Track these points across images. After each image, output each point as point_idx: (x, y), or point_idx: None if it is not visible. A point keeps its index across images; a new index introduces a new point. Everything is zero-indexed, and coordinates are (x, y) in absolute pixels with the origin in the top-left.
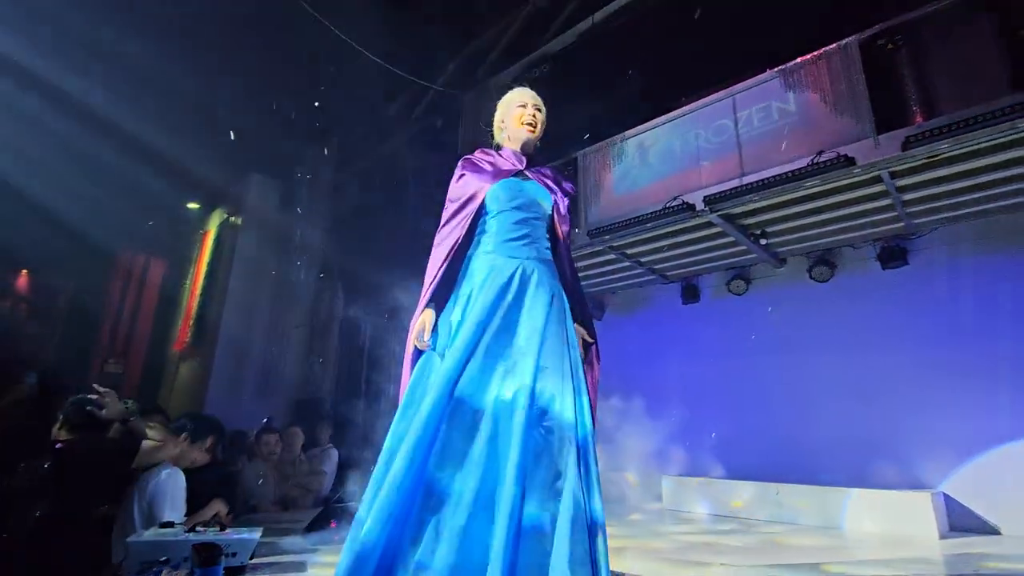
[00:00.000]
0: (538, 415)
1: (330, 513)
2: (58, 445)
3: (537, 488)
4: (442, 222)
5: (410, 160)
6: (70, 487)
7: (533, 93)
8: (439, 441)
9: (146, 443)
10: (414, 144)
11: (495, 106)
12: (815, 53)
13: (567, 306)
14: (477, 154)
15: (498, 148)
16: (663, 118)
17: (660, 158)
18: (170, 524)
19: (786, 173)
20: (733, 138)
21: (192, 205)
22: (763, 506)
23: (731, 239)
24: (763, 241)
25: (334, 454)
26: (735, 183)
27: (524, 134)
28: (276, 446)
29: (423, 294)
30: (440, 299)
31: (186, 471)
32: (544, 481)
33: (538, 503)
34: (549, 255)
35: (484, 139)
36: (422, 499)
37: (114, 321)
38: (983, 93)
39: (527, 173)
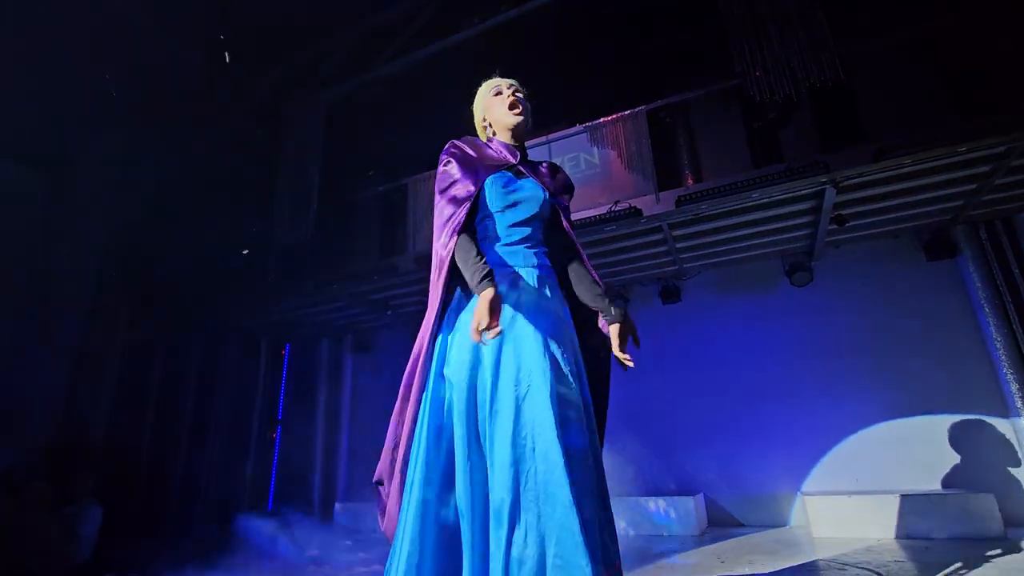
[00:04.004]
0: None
1: None
2: None
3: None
4: (436, 215)
5: (223, 166)
6: None
7: (505, 79)
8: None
9: None
10: (227, 148)
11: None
12: (614, 116)
13: (569, 320)
14: (465, 141)
15: (488, 140)
16: None
17: None
18: None
19: (591, 217)
20: None
21: None
22: None
23: None
24: None
25: (95, 512)
26: None
27: (512, 119)
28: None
29: (444, 281)
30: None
31: None
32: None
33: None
34: (548, 260)
35: (310, 152)
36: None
37: None
38: (734, 166)
39: (521, 169)
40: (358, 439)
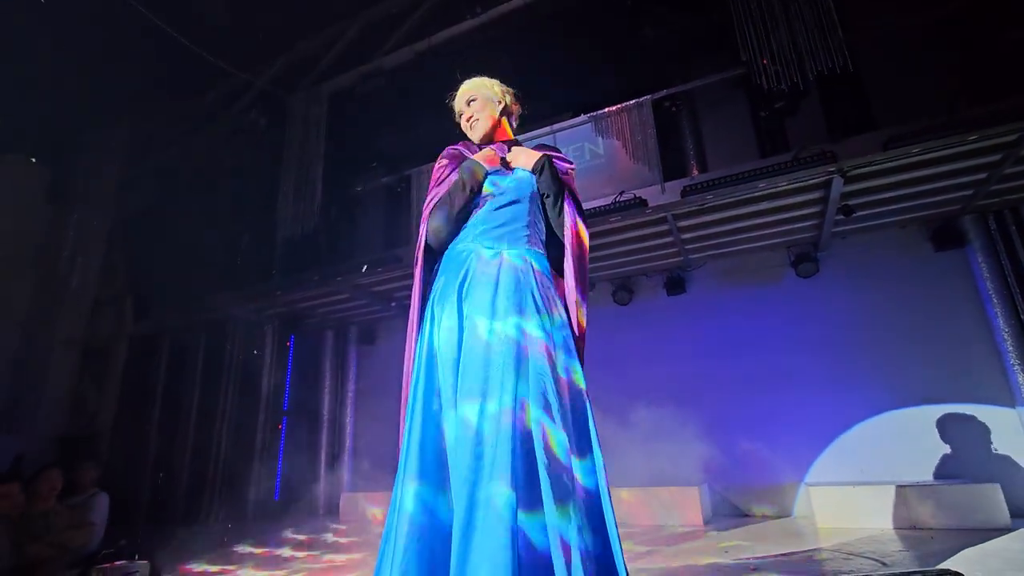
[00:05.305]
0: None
1: None
2: None
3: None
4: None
5: (226, 159)
6: None
7: (463, 89)
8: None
9: None
10: (232, 142)
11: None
12: (619, 106)
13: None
14: (458, 144)
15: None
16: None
17: None
18: None
19: (595, 208)
20: None
21: None
22: None
23: None
24: None
25: (103, 500)
26: None
27: (474, 136)
28: (18, 497)
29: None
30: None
31: None
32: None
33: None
34: (525, 244)
35: (313, 144)
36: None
37: None
38: (740, 156)
39: (506, 159)
40: (363, 430)
